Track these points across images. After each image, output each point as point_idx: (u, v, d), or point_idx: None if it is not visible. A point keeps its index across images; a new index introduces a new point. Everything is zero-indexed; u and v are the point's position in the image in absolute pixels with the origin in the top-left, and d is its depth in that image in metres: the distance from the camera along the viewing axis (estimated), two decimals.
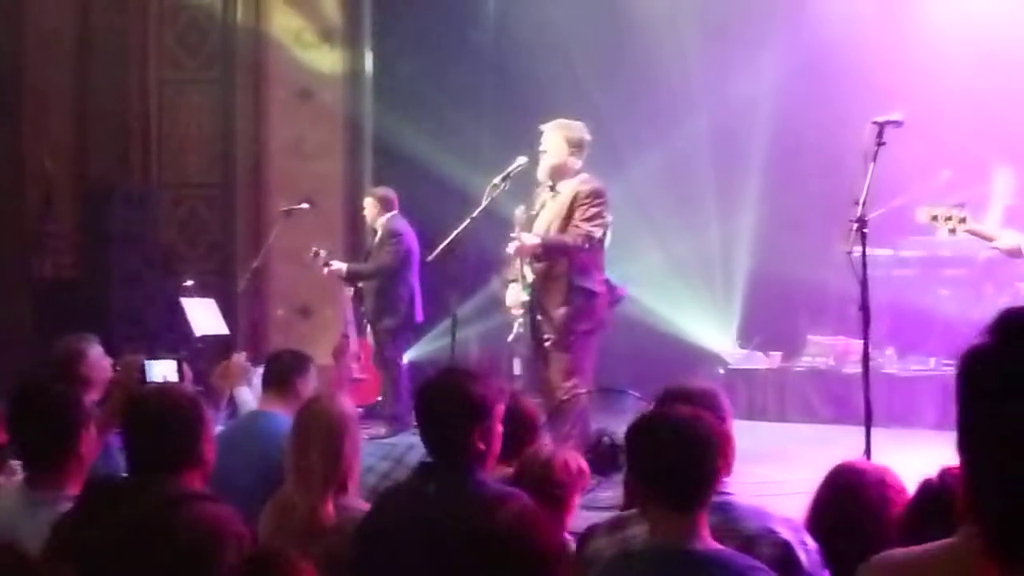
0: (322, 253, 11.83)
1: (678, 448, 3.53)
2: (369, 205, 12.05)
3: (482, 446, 4.26)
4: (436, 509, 4.13)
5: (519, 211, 8.46)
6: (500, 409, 4.36)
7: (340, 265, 11.85)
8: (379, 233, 11.85)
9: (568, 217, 8.46)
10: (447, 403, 4.28)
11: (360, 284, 11.96)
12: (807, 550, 3.85)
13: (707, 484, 3.55)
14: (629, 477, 3.64)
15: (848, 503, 3.88)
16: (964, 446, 1.54)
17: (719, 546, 3.53)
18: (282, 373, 6.32)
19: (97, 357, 6.35)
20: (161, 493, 3.94)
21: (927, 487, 3.55)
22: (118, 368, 5.51)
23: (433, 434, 4.31)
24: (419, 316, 11.81)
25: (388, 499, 4.43)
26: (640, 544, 3.74)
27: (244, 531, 3.96)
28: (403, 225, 11.80)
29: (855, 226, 6.74)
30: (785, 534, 3.79)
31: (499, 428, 4.35)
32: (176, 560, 3.77)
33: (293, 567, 2.29)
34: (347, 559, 4.29)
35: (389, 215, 11.87)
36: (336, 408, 4.89)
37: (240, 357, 7.37)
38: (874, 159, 6.80)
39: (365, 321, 11.99)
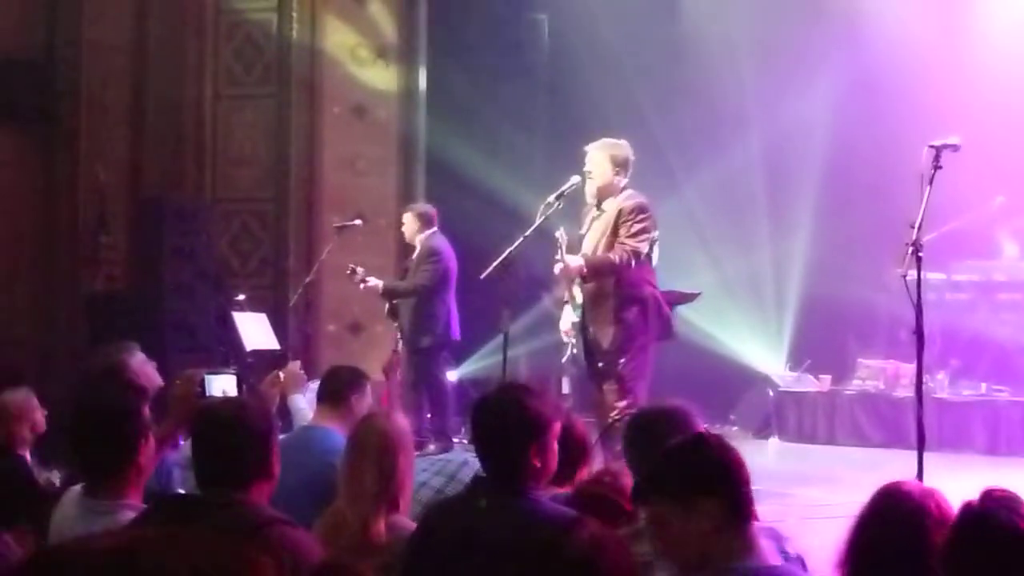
0: (359, 270, 11.80)
1: (723, 461, 3.54)
2: (408, 221, 11.96)
3: (537, 463, 4.25)
4: (486, 524, 4.14)
5: (559, 233, 8.46)
6: (557, 427, 4.37)
7: (376, 282, 11.81)
8: (418, 250, 11.80)
9: (614, 234, 8.47)
10: (504, 419, 4.27)
11: (395, 301, 11.89)
12: (788, 558, 3.87)
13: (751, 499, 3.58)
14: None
15: (892, 523, 3.87)
16: None
17: (777, 561, 3.54)
18: (338, 389, 6.34)
19: (139, 364, 6.39)
20: (240, 515, 3.91)
21: (968, 510, 3.54)
22: (178, 382, 5.53)
23: (488, 449, 4.31)
24: (456, 334, 11.80)
25: (438, 513, 4.44)
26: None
27: (321, 555, 3.95)
28: (442, 243, 11.78)
29: (910, 249, 6.72)
30: (767, 545, 3.80)
31: (555, 446, 4.35)
32: None
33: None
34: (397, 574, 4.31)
35: (429, 232, 11.81)
36: (391, 425, 4.92)
37: (295, 365, 7.43)
38: (930, 183, 6.78)
39: (399, 339, 11.94)
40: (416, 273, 11.72)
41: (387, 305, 11.95)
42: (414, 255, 11.89)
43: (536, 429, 4.27)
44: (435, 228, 11.87)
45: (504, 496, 4.19)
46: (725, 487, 3.56)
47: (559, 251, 8.48)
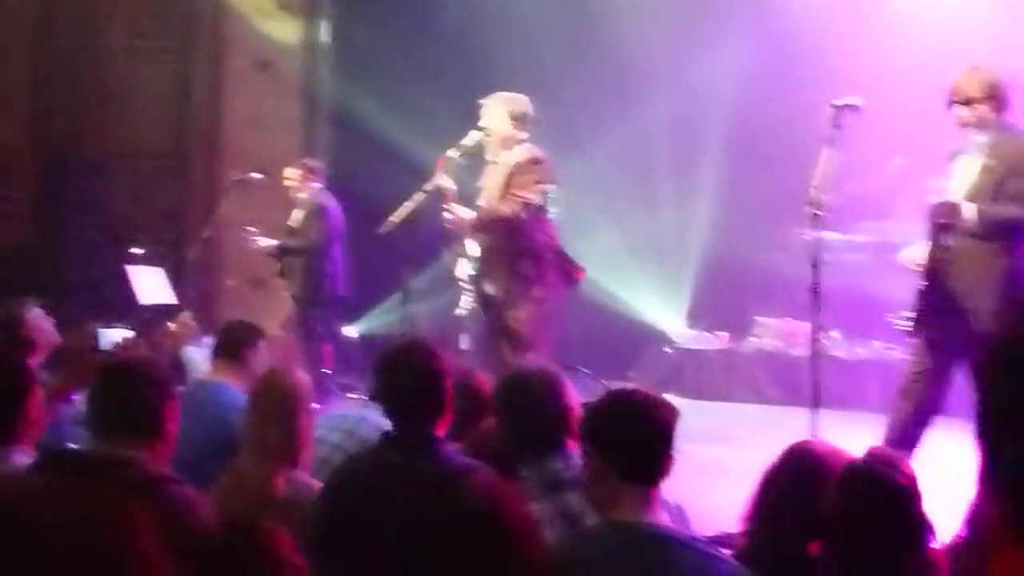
0: (255, 232, 11.77)
1: (644, 425, 3.55)
2: (295, 176, 11.88)
3: (444, 416, 4.29)
4: (399, 480, 4.14)
5: (445, 182, 8.43)
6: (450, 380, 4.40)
7: (269, 243, 11.74)
8: (305, 206, 11.76)
9: (507, 186, 8.42)
10: (415, 374, 4.28)
11: (285, 260, 11.81)
12: (669, 508, 3.92)
13: (667, 461, 3.59)
14: (589, 452, 3.65)
15: (799, 480, 3.92)
16: (988, 429, 1.57)
17: (670, 525, 3.57)
18: (234, 344, 6.32)
19: (36, 319, 6.33)
20: (128, 472, 3.86)
21: (852, 468, 3.60)
22: (71, 336, 5.48)
23: (398, 405, 4.32)
24: (343, 290, 11.77)
25: (349, 471, 4.42)
26: (583, 512, 3.80)
27: (213, 518, 3.92)
28: (330, 199, 11.75)
29: (810, 210, 6.77)
30: None
31: (451, 398, 4.38)
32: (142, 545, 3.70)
33: (274, 538, 2.29)
34: (302, 531, 4.29)
35: (315, 187, 11.79)
36: (292, 381, 4.90)
37: (186, 316, 7.36)
38: (831, 143, 6.83)
39: (291, 296, 11.85)
40: (306, 231, 11.66)
41: (278, 264, 11.87)
42: (299, 212, 11.82)
43: (441, 383, 4.28)
44: (321, 184, 11.86)
45: (416, 451, 4.20)
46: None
47: (448, 203, 8.45)
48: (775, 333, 13.25)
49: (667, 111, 13.76)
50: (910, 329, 7.10)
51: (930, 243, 6.95)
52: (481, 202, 8.55)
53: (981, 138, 6.90)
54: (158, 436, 4.01)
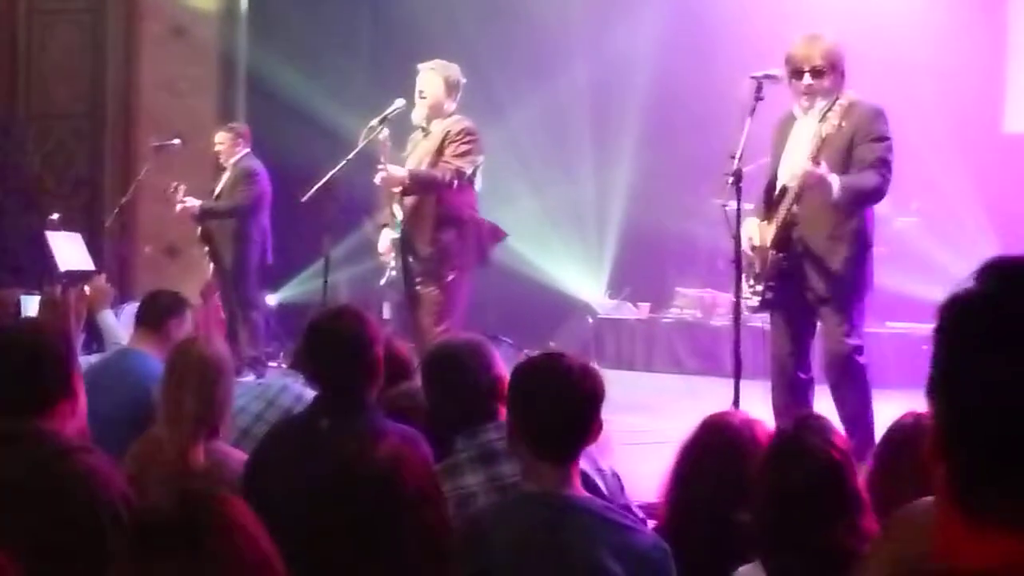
0: (181, 188, 11.46)
1: (566, 400, 3.51)
2: (225, 140, 11.68)
3: (372, 383, 4.27)
4: (330, 444, 4.12)
5: (383, 136, 8.37)
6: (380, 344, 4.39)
7: (194, 202, 11.45)
8: (230, 171, 11.58)
9: (439, 154, 8.39)
10: (344, 340, 4.26)
11: (208, 224, 11.56)
12: (604, 476, 3.92)
13: (588, 436, 3.56)
14: (510, 422, 3.62)
15: (715, 452, 3.92)
16: (938, 395, 1.55)
17: (589, 495, 3.55)
18: (157, 314, 6.25)
19: None
20: (35, 444, 3.76)
21: (782, 435, 3.60)
22: None
23: (327, 370, 4.29)
24: (269, 258, 11.64)
25: (278, 436, 4.39)
26: (484, 494, 3.79)
27: (125, 487, 3.85)
28: (258, 164, 11.55)
29: (730, 180, 6.78)
30: (581, 464, 3.84)
31: (381, 361, 4.36)
32: (53, 516, 3.63)
33: (229, 504, 2.24)
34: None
35: (243, 152, 11.60)
36: (210, 350, 4.84)
37: (100, 279, 7.26)
38: (751, 114, 6.83)
39: (211, 262, 11.59)
40: (232, 194, 11.47)
41: (199, 228, 11.59)
42: (225, 176, 11.64)
43: (374, 349, 4.27)
44: (249, 148, 11.65)
45: (346, 417, 4.17)
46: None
47: (383, 157, 8.40)
48: (695, 303, 13.31)
49: (586, 79, 13.77)
50: (761, 304, 7.15)
51: (779, 213, 6.95)
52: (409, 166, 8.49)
53: (822, 103, 6.93)
54: (62, 401, 3.90)
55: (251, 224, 11.39)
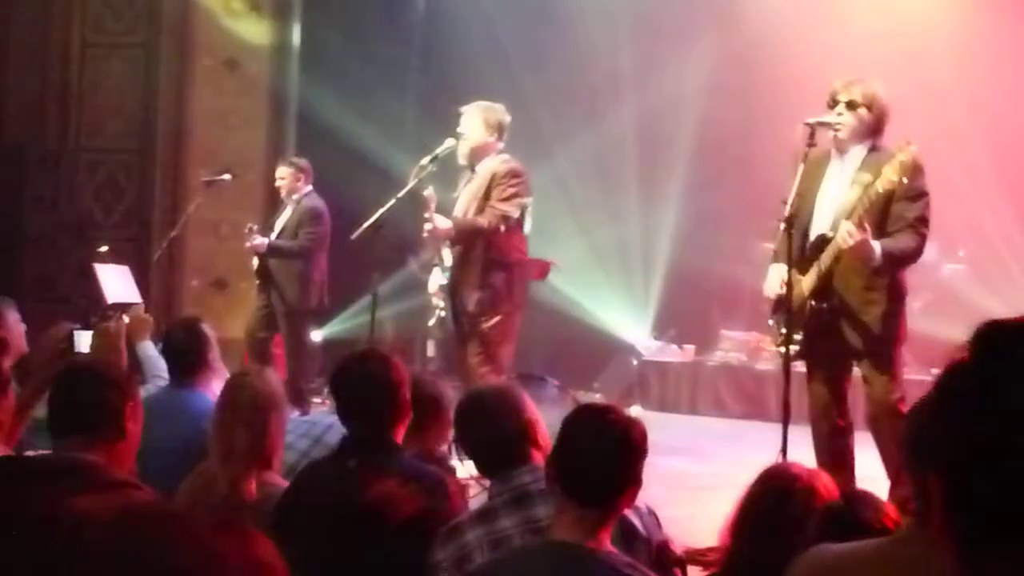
0: (254, 228, 11.28)
1: (606, 444, 3.50)
2: (287, 175, 11.45)
3: (398, 423, 4.31)
4: (357, 484, 4.15)
5: (428, 192, 8.40)
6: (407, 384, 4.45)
7: (262, 240, 11.20)
8: (295, 208, 11.37)
9: (486, 198, 8.40)
10: (368, 382, 4.31)
11: (269, 261, 11.30)
12: (640, 513, 3.89)
13: (625, 487, 3.54)
14: (550, 469, 3.61)
15: (775, 506, 3.90)
16: (935, 457, 1.55)
17: (614, 551, 3.51)
18: (194, 349, 6.26)
19: (14, 321, 6.27)
20: (84, 477, 3.77)
21: (831, 511, 3.58)
22: (43, 338, 5.39)
23: (355, 411, 4.34)
24: (326, 300, 11.55)
25: (308, 474, 4.43)
26: (480, 549, 3.78)
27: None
28: (323, 204, 11.39)
29: (782, 225, 6.77)
30: None
31: (409, 402, 4.40)
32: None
33: (253, 536, 2.26)
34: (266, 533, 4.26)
35: (307, 190, 11.43)
36: (264, 383, 4.86)
37: (139, 309, 7.28)
38: (804, 160, 6.83)
39: (267, 299, 11.36)
40: (298, 233, 11.25)
41: (257, 263, 11.35)
42: (287, 212, 11.44)
43: (399, 390, 4.34)
44: (311, 185, 11.48)
45: (374, 456, 4.21)
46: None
47: (428, 211, 8.42)
48: (741, 347, 13.27)
49: (635, 121, 13.78)
50: (799, 353, 7.13)
51: (821, 262, 6.93)
52: (457, 212, 8.52)
53: (857, 147, 6.92)
54: (119, 438, 3.93)
55: (313, 265, 11.26)
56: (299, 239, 11.25)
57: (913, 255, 6.90)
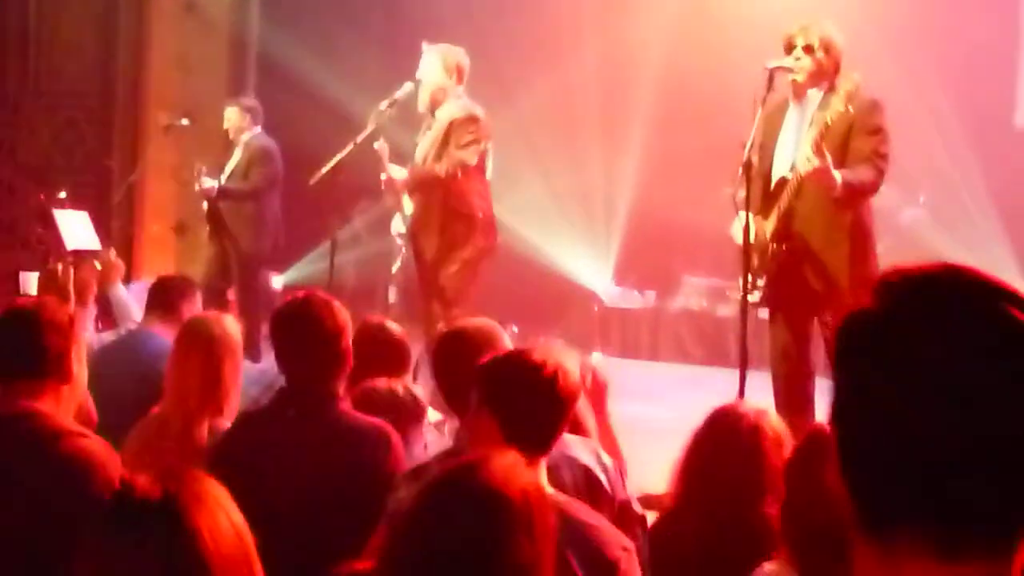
0: (203, 170, 11.10)
1: (541, 394, 3.48)
2: (235, 116, 11.31)
3: (338, 373, 4.26)
4: (294, 434, 4.11)
5: (379, 145, 8.37)
6: (348, 329, 4.39)
7: (212, 183, 11.04)
8: (244, 149, 11.22)
9: (444, 144, 8.37)
10: (308, 327, 4.25)
11: (220, 204, 11.17)
12: (607, 471, 3.88)
13: (555, 433, 3.52)
14: (479, 416, 3.58)
15: (723, 447, 3.91)
16: (839, 421, 1.53)
17: (553, 491, 3.50)
18: (168, 297, 6.32)
19: None
20: (28, 427, 3.74)
21: (817, 432, 3.57)
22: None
23: (293, 358, 4.29)
24: (281, 240, 11.45)
25: (245, 423, 4.39)
26: None
27: (121, 471, 3.82)
28: (273, 144, 11.29)
29: (741, 169, 6.76)
30: (584, 458, 3.81)
31: (350, 348, 4.35)
32: (45, 496, 3.60)
33: (206, 482, 2.26)
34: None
35: (256, 130, 11.28)
36: (219, 328, 4.84)
37: (110, 254, 7.27)
38: (763, 104, 6.81)
39: (210, 240, 11.33)
40: (249, 174, 11.13)
41: (207, 207, 11.22)
42: (237, 154, 11.27)
43: (339, 339, 4.27)
44: (259, 126, 11.34)
45: (313, 406, 4.16)
46: None
47: (383, 161, 8.39)
48: (702, 292, 13.30)
49: (596, 65, 13.73)
50: (762, 299, 7.14)
51: (779, 205, 6.94)
52: (417, 158, 8.48)
53: (814, 92, 6.92)
54: (64, 382, 3.89)
55: (265, 206, 11.17)
56: (250, 179, 11.14)
57: (871, 187, 6.89)
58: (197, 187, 11.10)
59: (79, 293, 6.92)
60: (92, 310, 7.00)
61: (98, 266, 7.16)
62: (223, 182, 11.14)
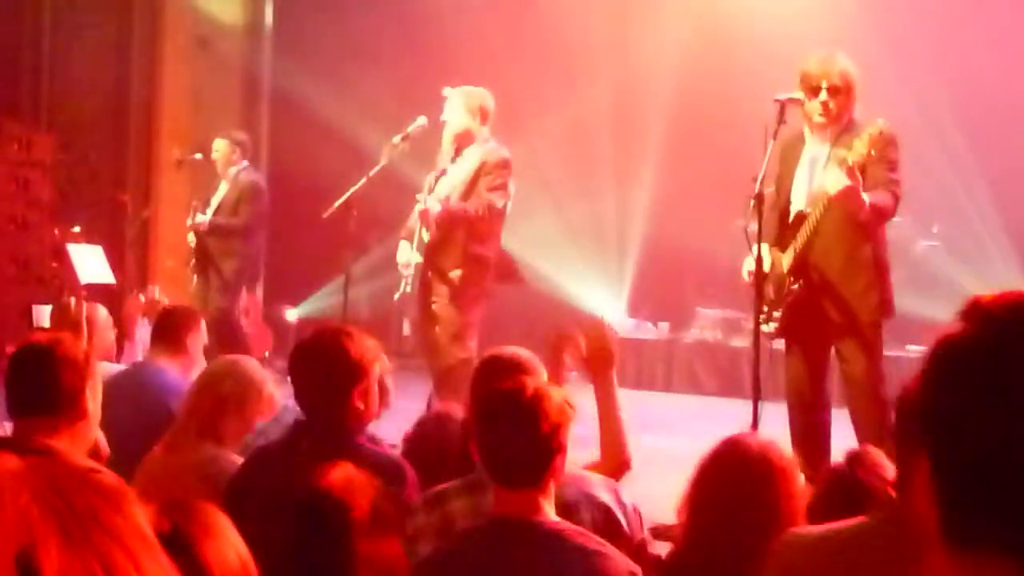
0: (198, 206, 11.13)
1: (524, 427, 3.44)
2: (223, 148, 11.23)
3: (360, 406, 4.24)
4: (309, 470, 4.10)
5: (428, 179, 8.43)
6: (376, 368, 4.33)
7: (203, 218, 11.03)
8: (232, 183, 11.16)
9: (472, 183, 8.41)
10: (327, 362, 4.24)
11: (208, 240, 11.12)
12: (626, 511, 3.86)
13: (553, 461, 3.49)
14: (477, 457, 3.56)
15: (730, 477, 3.89)
16: (929, 435, 1.53)
17: (559, 520, 3.48)
18: (173, 329, 6.32)
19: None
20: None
21: (836, 474, 3.57)
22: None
23: (311, 394, 4.27)
24: (259, 274, 11.47)
25: (260, 458, 4.37)
26: (463, 519, 3.74)
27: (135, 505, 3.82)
28: (261, 180, 11.35)
29: (752, 202, 6.76)
30: (604, 497, 3.79)
31: (375, 388, 4.32)
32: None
33: (212, 514, 2.26)
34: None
35: (243, 164, 11.24)
36: (256, 372, 4.86)
37: (153, 291, 7.36)
38: (775, 136, 6.81)
39: (193, 274, 11.22)
40: (238, 210, 11.08)
41: (195, 242, 11.16)
42: (223, 188, 11.22)
43: (358, 371, 4.23)
44: (247, 160, 11.30)
45: (327, 441, 4.15)
46: None
47: (425, 191, 8.42)
48: (716, 324, 13.28)
49: (608, 97, 13.77)
50: (778, 331, 7.13)
51: (797, 239, 6.94)
52: (439, 193, 8.49)
53: (834, 125, 6.93)
54: (79, 419, 3.91)
55: (252, 243, 11.21)
56: (240, 216, 11.11)
57: (891, 211, 6.94)
58: (190, 221, 11.11)
59: (124, 325, 7.02)
60: (140, 343, 7.05)
61: (143, 299, 7.22)
62: (210, 216, 11.12)
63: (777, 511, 3.72)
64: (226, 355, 5.44)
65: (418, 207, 8.46)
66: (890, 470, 3.46)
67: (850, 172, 6.54)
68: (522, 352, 4.59)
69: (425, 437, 4.82)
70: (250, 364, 5.01)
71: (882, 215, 6.87)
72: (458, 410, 4.87)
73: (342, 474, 3.96)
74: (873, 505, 3.28)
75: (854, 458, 3.55)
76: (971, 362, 1.47)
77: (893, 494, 3.33)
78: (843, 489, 3.43)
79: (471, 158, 8.48)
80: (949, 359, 1.50)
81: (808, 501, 3.60)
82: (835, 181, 6.62)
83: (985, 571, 1.44)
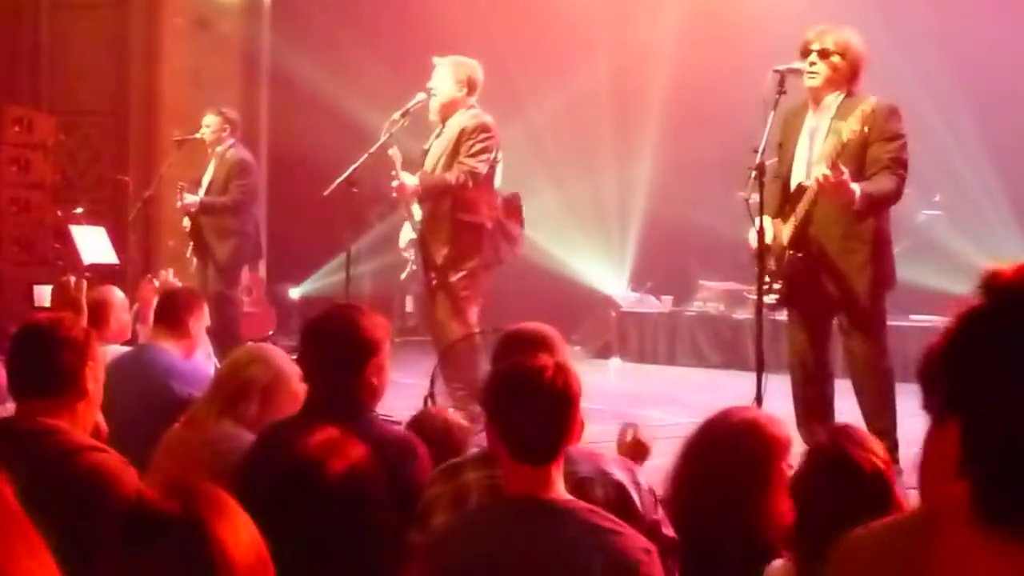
0: (185, 187, 10.99)
1: (547, 403, 3.43)
2: (213, 124, 11.12)
3: (375, 381, 4.25)
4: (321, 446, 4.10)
5: (392, 151, 8.36)
6: (387, 345, 4.34)
7: (193, 198, 10.93)
8: (220, 161, 11.07)
9: (454, 153, 8.35)
10: (340, 339, 4.24)
11: (201, 218, 11.01)
12: (640, 491, 3.86)
13: (567, 437, 3.49)
14: (487, 428, 3.55)
15: (714, 451, 3.89)
16: (957, 410, 1.53)
17: (572, 498, 3.48)
18: (175, 310, 6.32)
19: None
20: (47, 441, 3.76)
21: (821, 449, 3.56)
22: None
23: (324, 371, 4.27)
24: (263, 252, 11.38)
25: (272, 435, 4.37)
26: (478, 490, 3.73)
27: (138, 484, 3.84)
28: (250, 156, 11.25)
29: (753, 173, 6.75)
30: (618, 475, 3.78)
31: (387, 364, 4.33)
32: (63, 511, 3.61)
33: (221, 495, 2.26)
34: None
35: (231, 141, 11.13)
36: (285, 362, 4.87)
37: (167, 274, 7.40)
38: (774, 107, 6.80)
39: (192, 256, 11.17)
40: (228, 188, 10.98)
41: (189, 224, 11.09)
42: (213, 165, 11.13)
43: (372, 347, 4.24)
44: (236, 138, 11.21)
45: (341, 417, 4.15)
46: None
47: (395, 169, 8.39)
48: (719, 297, 13.29)
49: (607, 73, 13.75)
50: (778, 302, 7.13)
51: (797, 211, 6.92)
52: (426, 167, 8.48)
53: (831, 96, 6.91)
54: (80, 399, 3.91)
55: (247, 219, 11.09)
56: (230, 193, 11.02)
57: (892, 196, 6.84)
58: (179, 203, 11.01)
59: (139, 310, 7.04)
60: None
61: (156, 283, 7.25)
62: (201, 196, 11.05)
63: (768, 483, 3.73)
64: (257, 343, 5.47)
65: (393, 184, 8.43)
66: (876, 444, 3.47)
67: (834, 167, 6.51)
68: (546, 328, 4.60)
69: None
70: (282, 355, 5.01)
71: (882, 203, 6.79)
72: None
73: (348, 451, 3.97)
74: (856, 480, 3.29)
75: (838, 432, 3.54)
76: (990, 334, 1.47)
77: (879, 467, 3.34)
78: (826, 464, 3.42)
79: (451, 127, 8.44)
80: (970, 332, 1.50)
81: (790, 478, 3.59)
82: (817, 176, 6.60)
83: (1019, 547, 1.43)
